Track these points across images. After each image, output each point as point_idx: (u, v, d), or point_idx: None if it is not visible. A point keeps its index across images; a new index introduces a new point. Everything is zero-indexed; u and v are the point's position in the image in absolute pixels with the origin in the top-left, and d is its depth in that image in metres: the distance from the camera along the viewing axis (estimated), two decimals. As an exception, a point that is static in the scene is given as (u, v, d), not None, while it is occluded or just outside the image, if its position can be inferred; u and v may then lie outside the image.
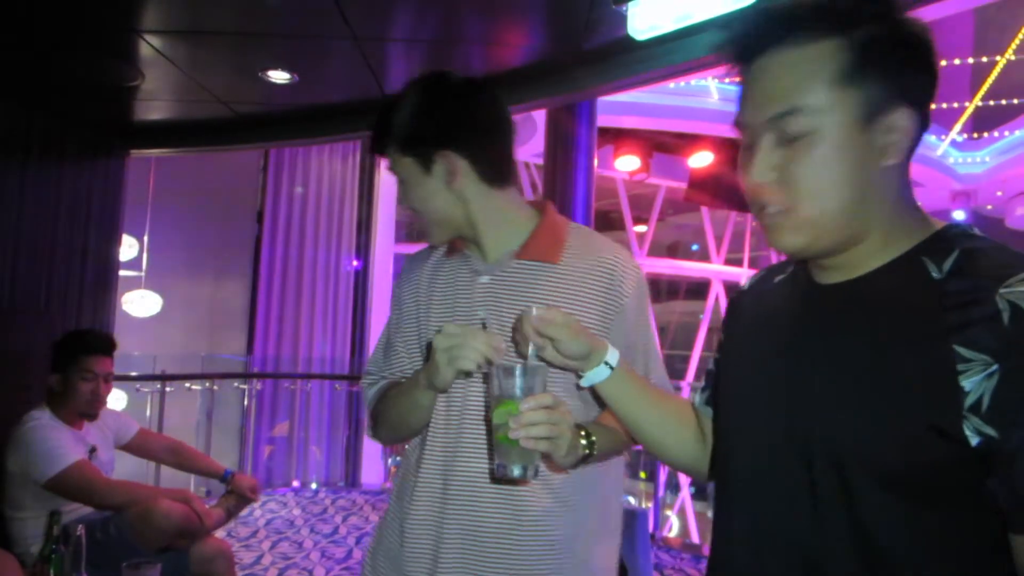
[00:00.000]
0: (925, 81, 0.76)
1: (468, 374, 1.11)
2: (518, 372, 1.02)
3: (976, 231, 0.79)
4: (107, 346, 2.76)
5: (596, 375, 1.06)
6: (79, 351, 2.67)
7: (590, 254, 1.27)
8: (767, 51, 0.78)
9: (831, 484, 0.77)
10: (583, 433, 1.10)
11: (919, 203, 0.82)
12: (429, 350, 1.12)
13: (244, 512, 3.55)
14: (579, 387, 1.12)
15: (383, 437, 1.40)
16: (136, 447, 2.94)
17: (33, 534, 2.52)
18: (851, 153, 0.75)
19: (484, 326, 1.19)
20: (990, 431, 0.68)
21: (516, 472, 1.02)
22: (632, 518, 2.60)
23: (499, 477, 1.05)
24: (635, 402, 1.08)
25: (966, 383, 0.69)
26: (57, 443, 2.52)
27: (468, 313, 1.27)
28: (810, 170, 0.76)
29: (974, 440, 0.68)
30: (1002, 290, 0.69)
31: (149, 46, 2.84)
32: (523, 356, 1.08)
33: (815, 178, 0.76)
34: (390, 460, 7.21)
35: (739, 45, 0.81)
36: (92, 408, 2.67)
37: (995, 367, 0.68)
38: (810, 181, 0.76)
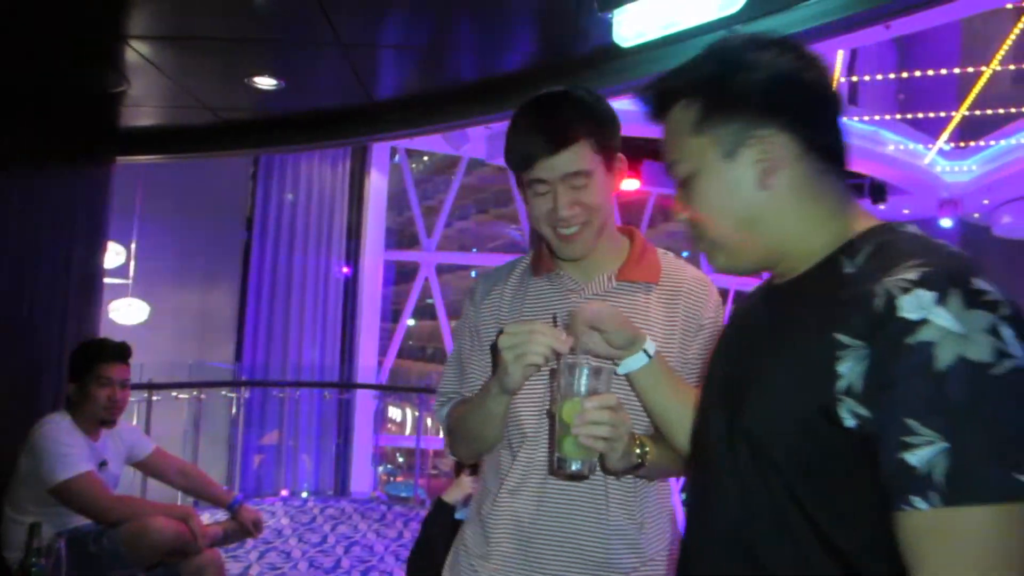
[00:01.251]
0: (788, 102, 0.86)
1: (537, 368, 1.14)
2: (585, 371, 1.07)
3: (906, 227, 0.85)
4: (123, 353, 2.78)
5: (634, 362, 1.15)
6: (95, 359, 2.69)
7: (680, 276, 1.35)
8: (657, 119, 0.97)
9: (749, 464, 0.84)
10: (638, 442, 1.15)
11: (852, 205, 0.90)
12: (494, 353, 1.16)
13: (237, 543, 3.53)
14: (615, 373, 1.18)
15: (462, 452, 1.42)
16: (149, 466, 2.95)
17: (23, 540, 2.50)
18: (726, 185, 0.88)
19: (555, 321, 1.22)
20: (864, 412, 0.73)
21: (574, 467, 1.07)
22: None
23: (557, 471, 1.10)
24: (664, 394, 1.16)
25: (841, 368, 0.74)
26: (69, 449, 2.53)
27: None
28: (700, 205, 0.91)
29: (850, 422, 0.74)
30: (885, 279, 0.74)
31: (135, 52, 2.83)
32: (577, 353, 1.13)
33: (705, 210, 0.91)
34: (381, 468, 7.18)
35: (646, 116, 1.00)
36: (110, 414, 2.69)
37: (867, 351, 0.73)
38: (702, 212, 0.91)
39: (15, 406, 2.73)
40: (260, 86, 3.09)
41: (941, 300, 0.70)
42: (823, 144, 0.87)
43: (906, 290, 0.72)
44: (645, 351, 1.15)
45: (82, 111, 3.57)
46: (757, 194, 0.87)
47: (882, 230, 0.85)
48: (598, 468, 1.19)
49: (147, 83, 3.11)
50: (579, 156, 1.22)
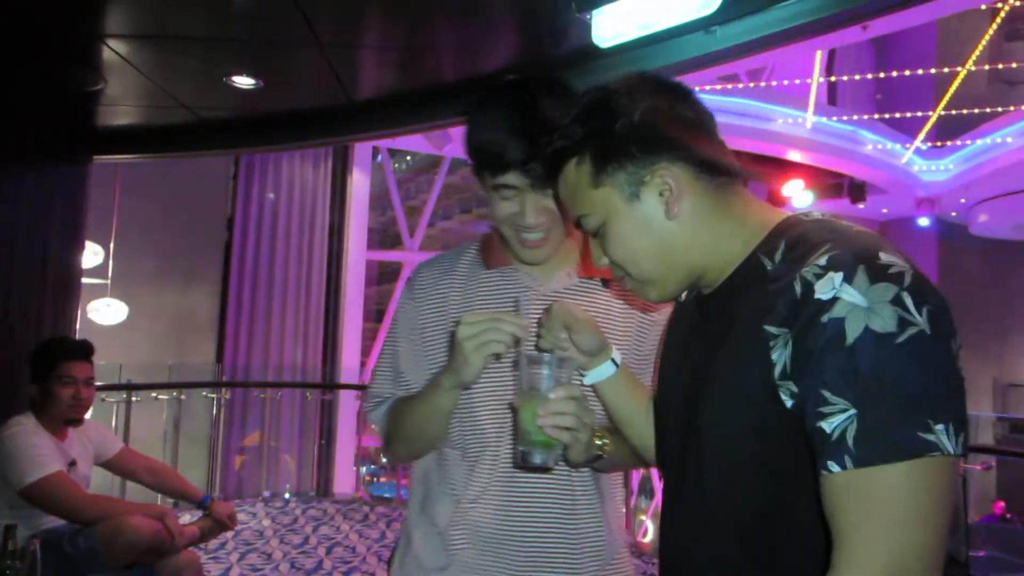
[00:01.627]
0: (669, 136, 0.91)
1: (497, 358, 1.11)
2: (548, 361, 1.05)
3: (811, 215, 0.91)
4: (84, 351, 2.75)
5: (602, 371, 1.14)
6: (56, 357, 2.66)
7: None
8: (551, 181, 1.03)
9: (707, 460, 0.90)
10: (597, 434, 1.15)
11: (758, 206, 0.95)
12: (452, 345, 1.12)
13: (227, 533, 3.52)
14: (581, 384, 1.17)
15: (401, 453, 1.33)
16: (117, 465, 2.92)
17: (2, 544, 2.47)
18: (635, 224, 0.93)
19: (517, 306, 1.20)
20: (794, 388, 0.78)
21: (538, 459, 1.06)
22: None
23: (521, 464, 1.08)
24: (631, 403, 1.16)
25: (774, 355, 0.80)
26: (37, 451, 2.50)
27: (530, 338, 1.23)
28: (615, 249, 0.95)
29: (789, 403, 0.79)
30: (803, 270, 0.79)
31: (111, 51, 2.80)
32: (542, 349, 1.12)
33: (621, 252, 0.95)
34: (363, 469, 7.15)
35: (542, 178, 1.10)
36: (75, 412, 2.66)
37: (790, 335, 0.78)
38: (620, 255, 0.95)
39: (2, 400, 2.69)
40: (238, 85, 3.07)
41: (848, 278, 0.76)
42: (711, 163, 0.92)
43: (819, 275, 0.77)
44: (613, 360, 1.15)
45: (59, 110, 3.53)
46: (667, 225, 0.92)
47: (790, 224, 0.90)
48: (562, 463, 1.17)
49: (124, 82, 3.09)
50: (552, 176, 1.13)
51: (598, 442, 1.14)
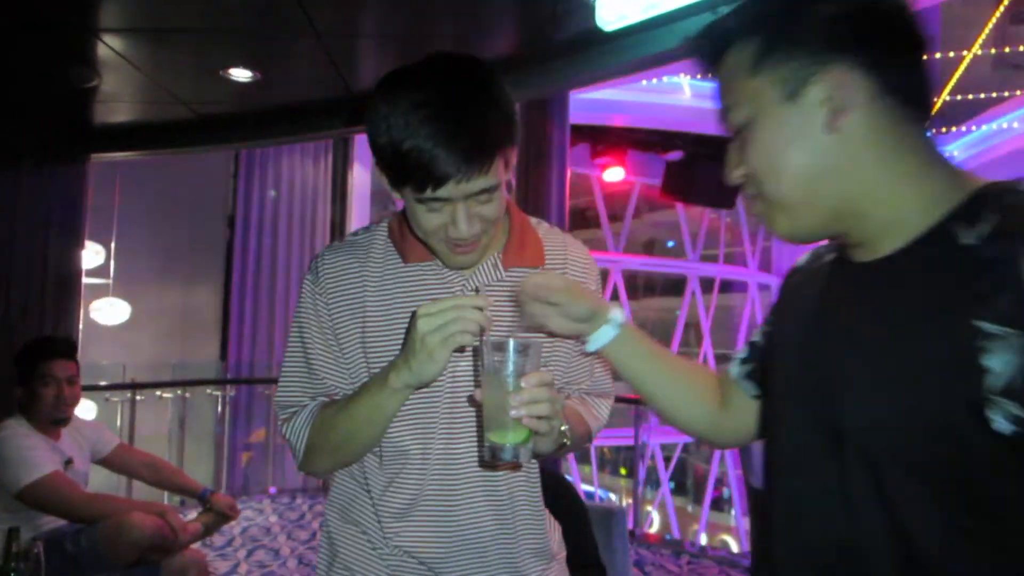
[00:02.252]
0: (860, 36, 0.75)
1: (461, 349, 1.00)
2: (515, 347, 0.95)
3: (1019, 183, 0.73)
4: (65, 349, 2.72)
5: (602, 336, 1.02)
6: (37, 358, 2.64)
7: (563, 254, 1.23)
8: (711, 68, 0.85)
9: (860, 473, 0.73)
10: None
11: (952, 165, 0.77)
12: (407, 340, 1.01)
13: (229, 527, 3.51)
14: (585, 353, 1.08)
15: (322, 466, 1.16)
16: (114, 462, 2.89)
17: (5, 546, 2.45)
18: (787, 130, 0.77)
19: (477, 291, 1.11)
20: (1018, 411, 0.62)
21: (509, 455, 0.96)
22: (609, 517, 2.57)
23: (489, 461, 0.98)
24: (645, 362, 1.05)
25: (992, 361, 0.62)
26: (30, 452, 2.47)
27: (468, 358, 1.13)
28: (757, 155, 0.80)
29: (1006, 428, 0.62)
30: None
31: (106, 46, 2.76)
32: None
33: (763, 160, 0.79)
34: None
35: (701, 62, 0.88)
36: (60, 412, 2.63)
37: (1019, 338, 0.61)
38: (761, 164, 0.80)
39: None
40: (236, 78, 3.03)
41: None
42: (903, 86, 0.75)
43: None
44: (613, 321, 1.03)
45: (55, 108, 3.50)
46: (824, 139, 0.75)
47: (1003, 190, 0.71)
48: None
49: (120, 78, 3.05)
50: (492, 173, 0.99)
51: (563, 428, 1.06)
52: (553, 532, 1.27)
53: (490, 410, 0.97)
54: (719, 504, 13.20)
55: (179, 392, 5.74)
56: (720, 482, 12.38)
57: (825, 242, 0.91)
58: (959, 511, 0.67)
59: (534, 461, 1.21)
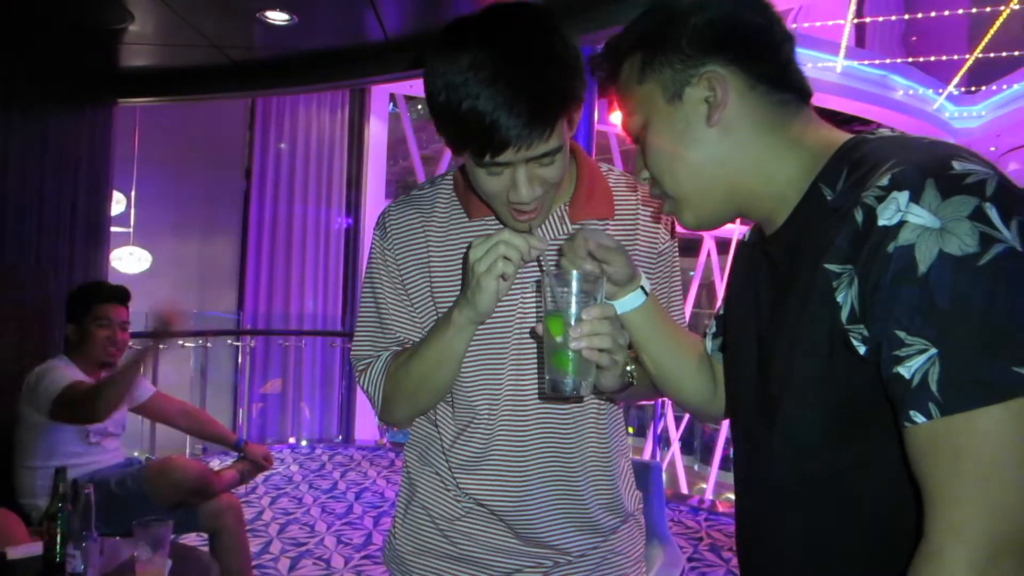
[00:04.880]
0: (728, 40, 0.83)
1: (505, 279, 0.99)
2: (577, 278, 0.94)
3: (878, 132, 0.81)
4: (121, 295, 2.77)
5: (632, 301, 1.04)
6: (93, 299, 2.68)
7: (633, 200, 1.18)
8: (613, 79, 0.93)
9: (782, 425, 0.80)
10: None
11: (821, 127, 0.86)
12: (464, 272, 1.01)
13: (257, 477, 3.56)
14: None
15: (400, 414, 1.17)
16: (150, 409, 2.94)
17: (41, 485, 2.50)
18: (674, 128, 0.85)
19: (539, 264, 1.08)
20: (865, 332, 0.69)
21: (570, 386, 0.95)
22: (646, 471, 2.58)
23: (550, 393, 0.97)
24: (658, 334, 1.07)
25: (839, 297, 0.71)
26: (67, 381, 2.51)
27: (522, 291, 1.11)
28: (653, 155, 0.88)
29: (862, 349, 0.70)
30: (863, 195, 0.69)
31: (139, -16, 2.70)
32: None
33: (659, 159, 0.88)
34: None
35: (601, 79, 0.96)
36: (109, 355, 2.68)
37: (854, 272, 0.69)
38: (657, 163, 0.88)
39: (24, 353, 2.68)
40: (272, 21, 2.95)
41: (915, 196, 0.65)
42: (770, 76, 0.84)
43: (881, 198, 0.67)
44: (642, 288, 1.04)
45: (82, 50, 3.43)
46: (708, 133, 0.84)
47: (854, 145, 0.79)
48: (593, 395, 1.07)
49: (151, 19, 2.98)
50: (555, 136, 0.96)
51: (628, 367, 1.05)
52: (628, 490, 1.26)
53: (550, 342, 0.96)
54: (727, 464, 13.35)
55: (200, 342, 5.78)
56: (729, 442, 12.49)
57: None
58: (856, 444, 0.75)
59: (606, 415, 1.20)
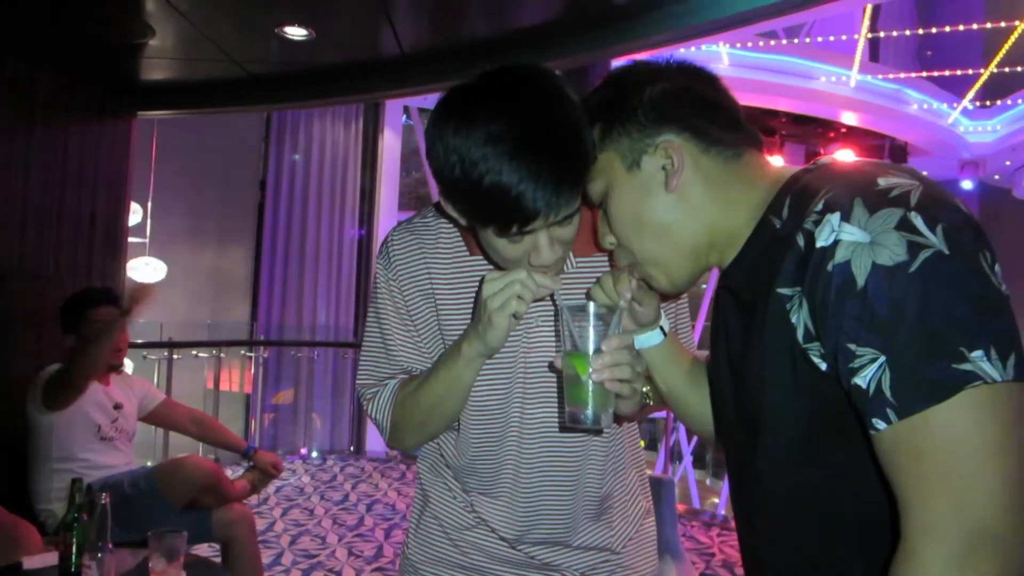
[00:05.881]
0: (679, 111, 0.88)
1: (517, 317, 0.98)
2: (595, 311, 0.95)
3: (819, 162, 0.85)
4: (111, 296, 2.77)
5: (650, 339, 1.06)
6: (84, 306, 2.68)
7: None
8: None
9: (761, 446, 0.84)
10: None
11: (770, 169, 0.90)
12: (476, 306, 1.01)
13: (269, 488, 3.56)
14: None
15: (409, 441, 1.17)
16: (159, 416, 2.95)
17: (57, 488, 2.52)
18: (633, 193, 0.90)
19: (554, 301, 1.10)
20: (821, 349, 0.73)
21: (591, 419, 0.95)
22: (659, 486, 2.56)
23: (570, 426, 0.97)
24: (673, 368, 1.09)
25: (794, 319, 0.74)
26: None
27: (541, 326, 1.12)
28: (617, 221, 0.92)
29: (823, 366, 0.73)
30: (804, 222, 0.73)
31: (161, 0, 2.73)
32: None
33: (623, 225, 0.92)
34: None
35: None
36: (113, 358, 2.68)
37: (802, 294, 0.73)
38: (622, 229, 0.92)
39: (44, 362, 2.71)
40: (290, 36, 2.99)
41: (846, 216, 0.69)
42: (721, 139, 0.89)
43: (817, 222, 0.71)
44: (661, 328, 1.05)
45: (103, 63, 3.49)
46: (667, 197, 0.88)
47: (797, 176, 0.84)
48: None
49: (172, 33, 3.02)
50: (576, 199, 0.95)
51: (644, 389, 1.06)
52: (638, 504, 1.26)
53: (570, 375, 0.96)
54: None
55: (214, 352, 5.81)
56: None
57: None
58: (833, 456, 0.77)
59: (618, 432, 1.20)
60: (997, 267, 0.69)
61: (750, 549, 0.93)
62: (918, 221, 0.67)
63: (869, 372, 0.67)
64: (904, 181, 0.70)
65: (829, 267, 0.69)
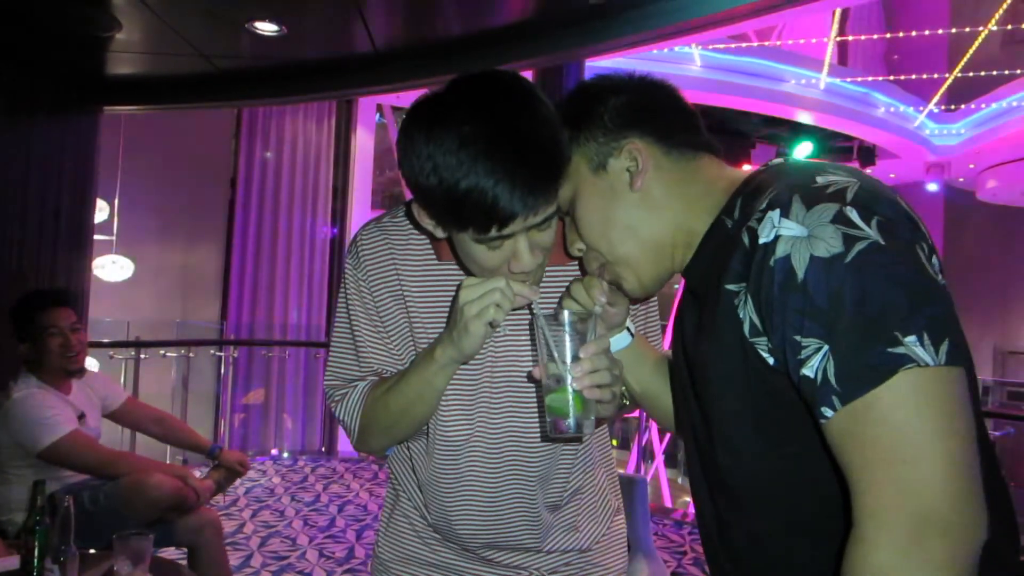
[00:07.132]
0: (641, 116, 0.93)
1: (496, 326, 0.98)
2: (570, 320, 0.94)
3: (771, 163, 0.88)
4: (61, 298, 2.67)
5: (619, 341, 1.07)
6: (34, 310, 2.58)
7: None
8: None
9: (717, 439, 0.86)
10: None
11: (727, 171, 0.94)
12: (451, 313, 1.00)
13: (234, 485, 3.50)
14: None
15: (376, 444, 1.15)
16: (123, 416, 2.88)
17: (18, 499, 2.45)
18: (600, 195, 0.94)
19: (531, 310, 1.07)
20: (768, 344, 0.75)
21: (573, 427, 0.94)
22: (631, 485, 2.56)
23: (552, 435, 0.97)
24: (642, 367, 1.10)
25: (741, 314, 0.77)
26: (49, 412, 2.45)
27: (509, 334, 1.11)
28: (585, 224, 0.95)
29: (771, 360, 0.76)
30: (749, 221, 0.77)
31: (127, -7, 2.69)
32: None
33: (591, 227, 0.95)
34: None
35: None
36: (71, 363, 2.59)
37: (747, 289, 0.76)
38: (589, 231, 0.95)
39: (3, 361, 2.63)
40: (261, 31, 2.95)
41: (785, 212, 0.72)
42: (682, 141, 0.93)
43: (760, 219, 0.74)
44: (628, 329, 1.07)
45: (68, 57, 3.41)
46: (632, 197, 0.92)
47: (749, 178, 0.88)
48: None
49: (139, 27, 2.97)
50: (555, 198, 0.95)
51: (621, 389, 1.05)
52: (607, 503, 1.26)
53: (549, 384, 0.95)
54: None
55: (182, 351, 5.73)
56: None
57: None
58: (786, 447, 0.80)
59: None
60: (935, 259, 0.71)
61: (712, 536, 0.94)
62: (853, 215, 0.69)
63: (815, 362, 0.69)
64: (841, 179, 0.73)
65: (771, 262, 0.72)
